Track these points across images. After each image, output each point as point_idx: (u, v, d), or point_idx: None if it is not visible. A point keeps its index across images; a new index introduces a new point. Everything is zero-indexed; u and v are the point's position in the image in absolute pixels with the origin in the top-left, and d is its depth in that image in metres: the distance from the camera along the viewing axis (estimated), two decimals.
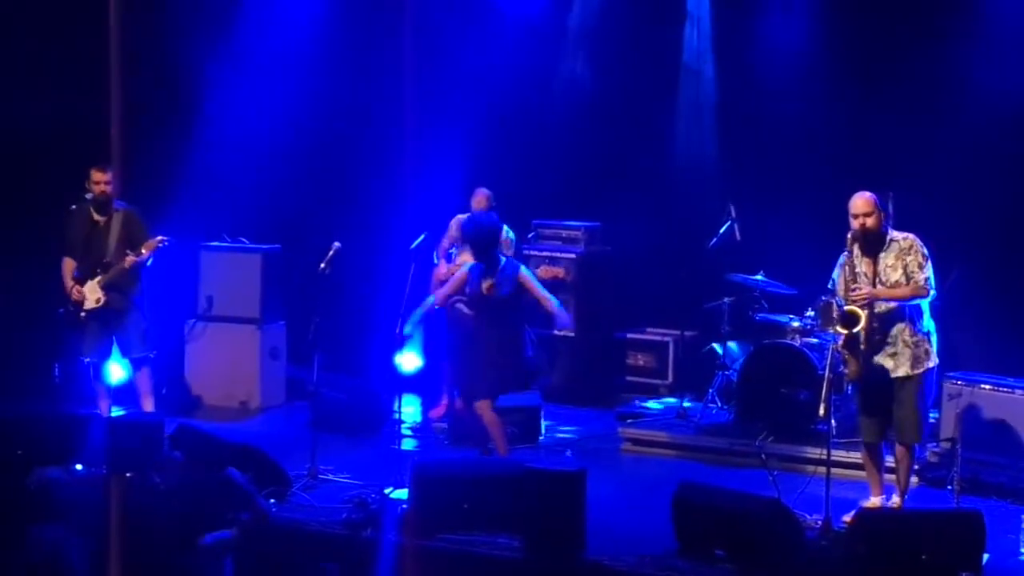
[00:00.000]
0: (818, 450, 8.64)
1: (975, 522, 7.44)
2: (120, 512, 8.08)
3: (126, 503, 8.20)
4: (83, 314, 9.93)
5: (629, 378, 11.92)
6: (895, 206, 8.81)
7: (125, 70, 10.28)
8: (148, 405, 10.16)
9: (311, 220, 11.84)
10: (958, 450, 8.58)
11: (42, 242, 10.45)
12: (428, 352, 10.56)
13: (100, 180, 9.94)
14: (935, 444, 9.36)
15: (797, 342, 10.18)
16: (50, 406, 10.06)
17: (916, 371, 8.30)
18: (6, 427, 9.04)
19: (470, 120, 11.63)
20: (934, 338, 8.40)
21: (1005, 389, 9.26)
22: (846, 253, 8.36)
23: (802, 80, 11.26)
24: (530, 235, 11.82)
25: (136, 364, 10.12)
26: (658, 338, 11.86)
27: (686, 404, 10.92)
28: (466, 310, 9.65)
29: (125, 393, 10.19)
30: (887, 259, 8.33)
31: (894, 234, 8.37)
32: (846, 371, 8.40)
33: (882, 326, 8.29)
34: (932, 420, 9.24)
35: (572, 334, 11.42)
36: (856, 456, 8.91)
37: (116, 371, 10.08)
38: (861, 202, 8.29)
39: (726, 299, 10.78)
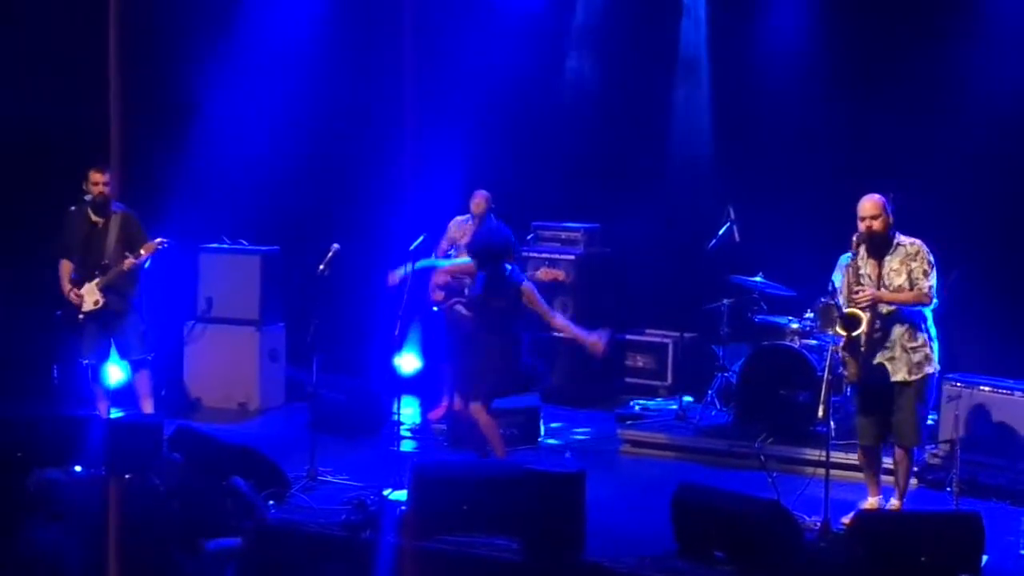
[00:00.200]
0: (817, 452, 8.63)
1: (974, 524, 7.43)
2: (119, 514, 8.07)
3: (125, 505, 8.19)
4: (81, 316, 9.92)
5: (628, 379, 11.92)
6: (895, 206, 8.79)
7: (124, 70, 10.28)
8: (147, 407, 10.15)
9: (310, 222, 11.84)
10: (957, 452, 8.57)
11: (42, 243, 10.44)
12: (427, 354, 10.57)
13: (98, 181, 9.92)
14: (934, 446, 9.36)
15: (796, 344, 10.17)
16: (49, 408, 10.07)
17: (913, 377, 8.28)
18: (5, 429, 9.03)
19: (469, 121, 11.63)
20: (935, 344, 8.38)
21: (1004, 391, 9.25)
22: (851, 254, 8.33)
23: (801, 82, 11.27)
24: (529, 237, 11.82)
25: (135, 366, 10.12)
26: (657, 340, 11.87)
27: (686, 399, 10.95)
28: (465, 312, 9.64)
29: (124, 395, 10.19)
30: (892, 263, 8.31)
31: (901, 238, 8.34)
32: (845, 373, 8.40)
33: (882, 329, 8.29)
34: (931, 422, 9.24)
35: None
36: (855, 458, 8.90)
37: (115, 373, 10.07)
38: (869, 204, 8.27)
39: (725, 301, 10.78)
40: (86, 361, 10.03)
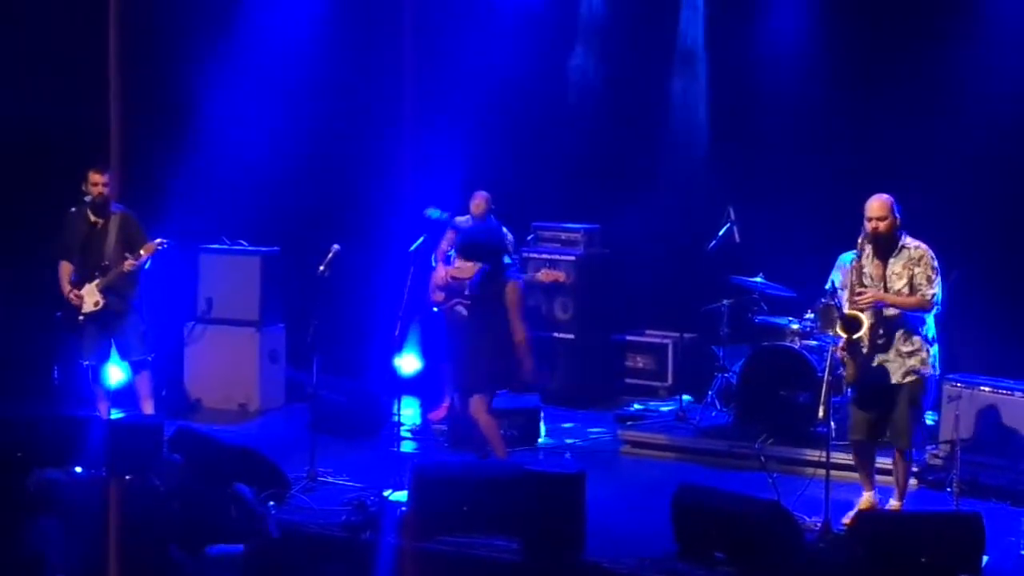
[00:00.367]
0: (817, 452, 8.63)
1: (974, 524, 7.43)
2: (119, 514, 8.06)
3: (125, 505, 8.19)
4: (81, 317, 9.91)
5: (628, 380, 11.91)
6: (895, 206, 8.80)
7: (124, 70, 10.28)
8: (147, 407, 10.16)
9: (310, 222, 11.83)
10: (957, 452, 8.58)
11: (42, 243, 10.43)
12: (427, 354, 10.57)
13: (98, 182, 9.91)
14: (934, 446, 9.36)
15: (796, 344, 10.17)
16: (50, 408, 10.06)
17: (907, 380, 8.27)
18: (5, 429, 9.04)
19: (469, 121, 11.62)
20: (935, 348, 8.37)
21: (1004, 391, 9.26)
22: (855, 254, 8.31)
23: (802, 82, 11.27)
24: (529, 237, 11.81)
25: (135, 367, 10.12)
26: (657, 340, 11.86)
27: (686, 399, 10.94)
28: (465, 312, 9.63)
29: (124, 395, 10.18)
30: (895, 266, 8.28)
31: (907, 241, 8.31)
32: (845, 373, 8.39)
33: (884, 330, 8.27)
34: (931, 422, 9.24)
35: (572, 336, 11.46)
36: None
37: (115, 374, 10.07)
38: (877, 205, 8.24)
39: (725, 301, 10.78)
40: (86, 362, 10.03)
